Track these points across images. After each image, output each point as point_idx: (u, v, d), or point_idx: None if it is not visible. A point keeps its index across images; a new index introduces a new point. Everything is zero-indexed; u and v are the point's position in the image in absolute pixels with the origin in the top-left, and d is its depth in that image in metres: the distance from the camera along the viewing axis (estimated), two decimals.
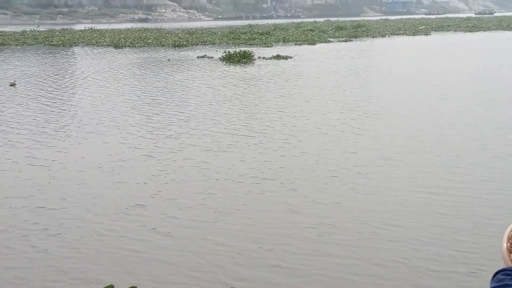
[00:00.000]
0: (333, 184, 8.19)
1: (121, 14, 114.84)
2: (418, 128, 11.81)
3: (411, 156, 9.61)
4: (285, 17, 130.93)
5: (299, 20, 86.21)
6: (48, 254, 6.09)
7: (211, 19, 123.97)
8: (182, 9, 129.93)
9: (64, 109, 14.87)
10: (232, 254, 6.00)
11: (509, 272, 1.76)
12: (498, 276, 1.75)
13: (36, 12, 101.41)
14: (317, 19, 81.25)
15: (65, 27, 61.67)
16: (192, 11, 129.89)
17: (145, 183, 8.35)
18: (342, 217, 6.92)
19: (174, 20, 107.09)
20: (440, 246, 6.03)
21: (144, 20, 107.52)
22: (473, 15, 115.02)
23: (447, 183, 8.10)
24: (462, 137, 10.88)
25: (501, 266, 1.99)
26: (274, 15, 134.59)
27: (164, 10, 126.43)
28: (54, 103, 15.89)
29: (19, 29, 57.08)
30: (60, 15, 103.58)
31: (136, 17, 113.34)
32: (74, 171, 9.06)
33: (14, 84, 19.57)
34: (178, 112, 14.06)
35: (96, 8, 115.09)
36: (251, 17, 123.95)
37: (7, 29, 60.53)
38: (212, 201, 7.54)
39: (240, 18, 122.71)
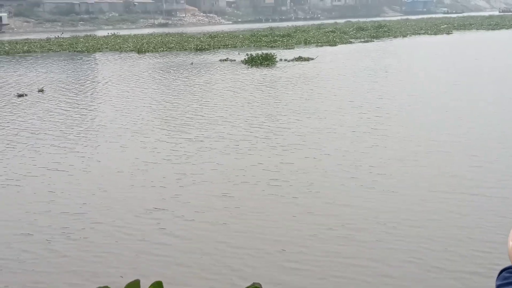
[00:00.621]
0: (350, 185, 8.27)
1: (142, 20, 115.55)
2: (435, 128, 11.82)
3: (429, 156, 9.64)
4: (305, 19, 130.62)
5: (319, 22, 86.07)
6: (69, 258, 6.28)
7: (230, 22, 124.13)
8: (201, 14, 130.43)
9: (89, 114, 15.18)
10: (248, 255, 6.12)
11: None
12: (504, 274, 1.73)
13: (57, 19, 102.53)
14: (337, 20, 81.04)
15: (87, 33, 62.43)
16: (211, 15, 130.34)
17: (164, 186, 8.51)
18: (358, 218, 7.00)
19: (194, 25, 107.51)
20: (456, 246, 6.07)
21: (165, 25, 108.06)
22: (496, 13, 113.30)
23: (464, 182, 8.14)
24: (480, 137, 10.89)
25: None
26: (293, 17, 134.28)
27: (184, 15, 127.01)
28: (80, 108, 16.22)
29: (42, 36, 58.00)
30: (82, 22, 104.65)
31: (156, 22, 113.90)
32: (95, 176, 9.26)
33: (43, 90, 20.01)
34: (200, 115, 14.24)
35: (117, 14, 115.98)
36: (270, 20, 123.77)
37: (31, 36, 61.50)
38: (229, 203, 7.67)
39: (259, 21, 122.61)
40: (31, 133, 12.96)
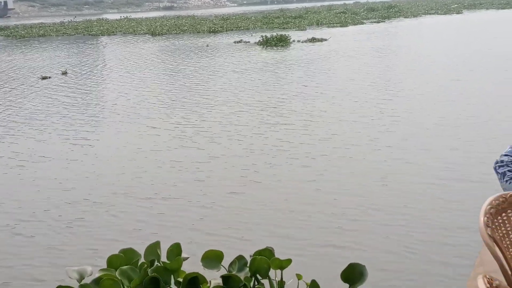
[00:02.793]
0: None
1: (147, 3, 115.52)
2: (444, 112, 11.66)
3: (436, 138, 9.58)
4: (310, 0, 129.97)
5: (328, 3, 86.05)
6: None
7: (236, 5, 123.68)
8: None
9: (108, 97, 15.68)
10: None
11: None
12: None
13: (63, 3, 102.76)
14: (343, 2, 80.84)
15: (98, 17, 62.92)
16: None
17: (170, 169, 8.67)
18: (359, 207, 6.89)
19: (199, 7, 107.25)
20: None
21: (170, 8, 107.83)
22: None
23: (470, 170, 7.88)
24: (489, 120, 10.74)
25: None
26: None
27: None
28: (102, 90, 16.93)
29: (47, 20, 58.59)
30: (87, 6, 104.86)
31: (161, 5, 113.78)
32: (111, 160, 9.45)
33: (66, 72, 20.68)
34: (221, 98, 14.68)
35: None
36: (276, 2, 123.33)
37: (36, 20, 62.04)
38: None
39: (265, 3, 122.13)
40: (59, 114, 13.64)
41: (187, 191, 7.59)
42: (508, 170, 3.25)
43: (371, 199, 6.88)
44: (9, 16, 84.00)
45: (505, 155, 3.32)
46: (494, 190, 2.97)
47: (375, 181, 7.52)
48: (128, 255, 2.92)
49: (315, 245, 5.75)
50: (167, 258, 2.88)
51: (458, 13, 48.35)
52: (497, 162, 3.34)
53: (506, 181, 3.26)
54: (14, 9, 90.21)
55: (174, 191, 7.60)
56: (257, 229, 6.28)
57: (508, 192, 2.78)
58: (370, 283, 3.08)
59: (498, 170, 3.32)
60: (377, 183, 7.42)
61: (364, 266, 2.77)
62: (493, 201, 2.62)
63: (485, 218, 2.49)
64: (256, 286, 2.81)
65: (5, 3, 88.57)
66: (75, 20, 57.01)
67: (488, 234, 2.42)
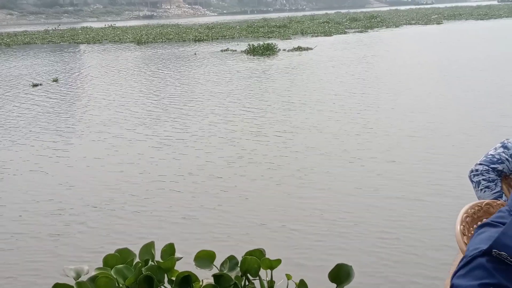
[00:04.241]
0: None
1: (126, 12, 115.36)
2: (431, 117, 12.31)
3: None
4: (290, 10, 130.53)
5: (309, 13, 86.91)
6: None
7: (216, 14, 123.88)
8: (186, 5, 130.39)
9: (100, 103, 15.57)
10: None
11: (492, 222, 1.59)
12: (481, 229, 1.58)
13: (41, 11, 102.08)
14: (324, 12, 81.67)
15: (72, 26, 62.80)
16: (197, 6, 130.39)
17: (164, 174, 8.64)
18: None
19: (180, 16, 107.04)
20: None
21: (150, 17, 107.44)
22: (496, 2, 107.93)
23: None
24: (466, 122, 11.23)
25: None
26: (272, 10, 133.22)
27: (169, 7, 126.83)
28: (94, 97, 16.78)
29: (23, 28, 58.12)
30: (66, 14, 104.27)
31: (141, 14, 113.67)
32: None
33: (57, 80, 20.82)
34: (213, 104, 14.80)
35: (102, 6, 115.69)
36: (255, 12, 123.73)
37: (16, 29, 61.57)
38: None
39: (245, 12, 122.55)
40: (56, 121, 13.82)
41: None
42: (483, 179, 3.30)
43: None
44: None
45: (480, 164, 3.35)
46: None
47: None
48: (123, 254, 3.01)
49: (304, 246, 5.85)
50: (161, 257, 2.97)
51: (438, 23, 49.30)
52: (472, 171, 3.38)
53: (481, 189, 3.31)
54: None
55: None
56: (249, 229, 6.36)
57: (483, 200, 2.83)
58: (356, 283, 3.16)
59: (473, 179, 3.36)
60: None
61: (351, 266, 2.82)
62: (469, 210, 2.65)
63: (461, 226, 2.53)
64: (246, 285, 2.89)
65: None
66: (59, 28, 57.01)
67: (464, 242, 2.43)
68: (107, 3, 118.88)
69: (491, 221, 1.50)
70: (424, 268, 5.16)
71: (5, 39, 44.00)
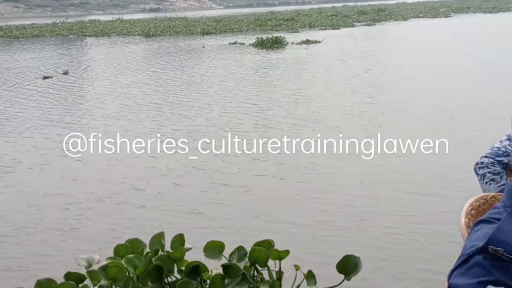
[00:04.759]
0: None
1: (132, 5, 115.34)
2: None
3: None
4: (296, 3, 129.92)
5: (316, 6, 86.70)
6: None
7: (222, 7, 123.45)
8: None
9: (111, 95, 15.81)
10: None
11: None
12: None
13: (48, 4, 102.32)
14: (331, 5, 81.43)
15: (78, 18, 62.97)
16: (203, 0, 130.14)
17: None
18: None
19: (186, 10, 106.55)
20: None
21: (156, 10, 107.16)
22: None
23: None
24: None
25: None
26: (279, 2, 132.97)
27: (175, 0, 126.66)
28: (104, 90, 16.92)
29: (30, 21, 58.35)
30: (72, 7, 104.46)
31: (147, 7, 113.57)
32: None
33: (67, 72, 20.97)
34: (225, 97, 14.95)
35: None
36: (262, 5, 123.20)
37: (23, 22, 61.74)
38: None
39: (251, 5, 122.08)
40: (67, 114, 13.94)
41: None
42: (488, 172, 3.31)
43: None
44: None
45: (485, 156, 3.35)
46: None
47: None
48: (134, 244, 3.03)
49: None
50: (171, 248, 2.98)
51: (446, 16, 49.04)
52: (477, 164, 3.38)
53: (486, 182, 3.31)
54: None
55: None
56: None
57: (488, 193, 2.80)
58: (364, 274, 3.20)
59: (478, 172, 3.37)
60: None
61: (358, 257, 2.82)
62: (474, 203, 2.63)
63: (466, 219, 2.52)
64: (255, 276, 2.90)
65: None
66: (67, 21, 57.19)
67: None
68: None
69: (487, 217, 1.49)
70: (430, 264, 5.22)
71: (14, 32, 44.23)
